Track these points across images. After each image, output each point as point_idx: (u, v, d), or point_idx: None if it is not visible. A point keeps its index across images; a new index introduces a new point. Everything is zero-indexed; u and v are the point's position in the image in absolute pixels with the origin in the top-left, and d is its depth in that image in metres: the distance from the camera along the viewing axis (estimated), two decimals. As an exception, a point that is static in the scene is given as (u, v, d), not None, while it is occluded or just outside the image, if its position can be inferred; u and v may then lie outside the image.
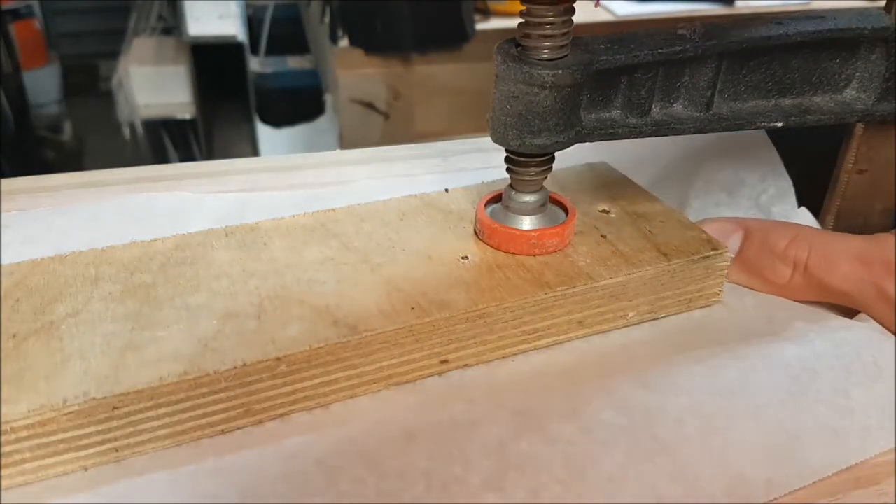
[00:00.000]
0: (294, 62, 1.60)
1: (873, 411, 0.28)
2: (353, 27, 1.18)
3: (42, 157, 1.75)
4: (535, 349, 0.31)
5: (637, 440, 0.26)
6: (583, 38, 0.30)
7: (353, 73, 1.18)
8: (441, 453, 0.25)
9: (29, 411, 0.23)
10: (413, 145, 0.47)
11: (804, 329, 0.31)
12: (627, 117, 0.31)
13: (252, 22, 1.59)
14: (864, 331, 0.31)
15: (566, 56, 0.29)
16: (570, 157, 0.33)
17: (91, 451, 0.25)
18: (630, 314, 0.32)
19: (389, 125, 1.22)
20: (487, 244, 0.32)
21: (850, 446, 0.27)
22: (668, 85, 0.31)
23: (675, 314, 0.33)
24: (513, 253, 0.32)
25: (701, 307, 0.33)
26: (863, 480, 0.26)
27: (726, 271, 0.33)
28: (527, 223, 0.32)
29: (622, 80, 0.30)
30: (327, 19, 1.22)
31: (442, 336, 0.28)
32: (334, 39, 1.20)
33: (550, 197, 0.33)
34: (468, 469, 0.25)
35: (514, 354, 0.30)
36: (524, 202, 0.32)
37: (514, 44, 0.30)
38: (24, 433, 0.24)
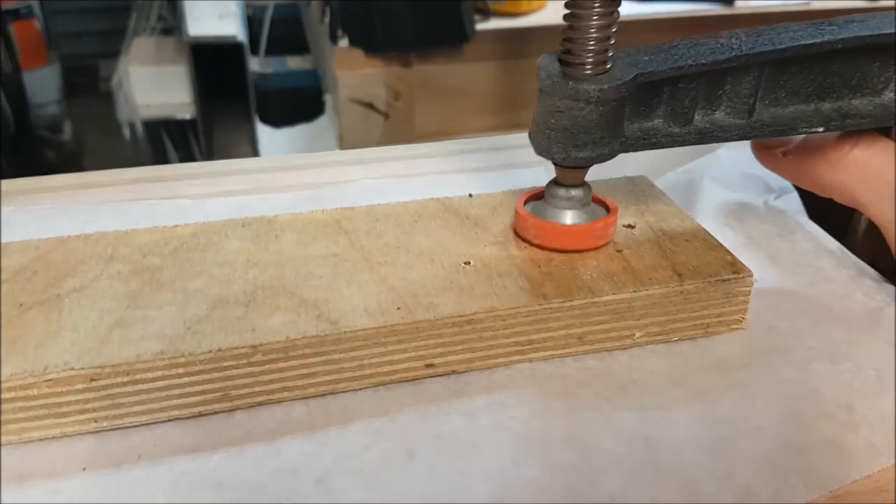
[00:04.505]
0: (294, 62, 1.60)
1: (877, 425, 0.27)
2: (353, 27, 1.18)
3: (42, 157, 1.75)
4: (531, 361, 0.30)
5: (638, 463, 0.26)
6: (625, 49, 0.30)
7: (353, 73, 1.18)
8: (441, 474, 0.25)
9: (11, 375, 0.25)
10: (413, 145, 0.46)
11: (806, 341, 0.31)
12: (670, 126, 0.31)
13: (252, 22, 1.59)
14: (867, 344, 0.31)
15: (610, 69, 0.29)
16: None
17: (70, 419, 0.26)
18: (637, 334, 0.31)
19: (389, 125, 1.21)
20: (548, 248, 0.32)
21: (854, 462, 0.26)
22: (710, 93, 0.31)
23: (691, 339, 0.32)
24: (576, 251, 0.31)
25: (721, 333, 0.32)
26: (862, 478, 0.26)
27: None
28: (573, 217, 0.32)
29: (665, 90, 0.30)
30: (327, 19, 1.22)
31: (426, 339, 0.28)
32: (334, 39, 1.20)
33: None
34: (468, 491, 0.25)
35: (508, 364, 0.30)
36: (573, 196, 0.32)
37: (555, 57, 0.30)
38: (9, 395, 0.25)
